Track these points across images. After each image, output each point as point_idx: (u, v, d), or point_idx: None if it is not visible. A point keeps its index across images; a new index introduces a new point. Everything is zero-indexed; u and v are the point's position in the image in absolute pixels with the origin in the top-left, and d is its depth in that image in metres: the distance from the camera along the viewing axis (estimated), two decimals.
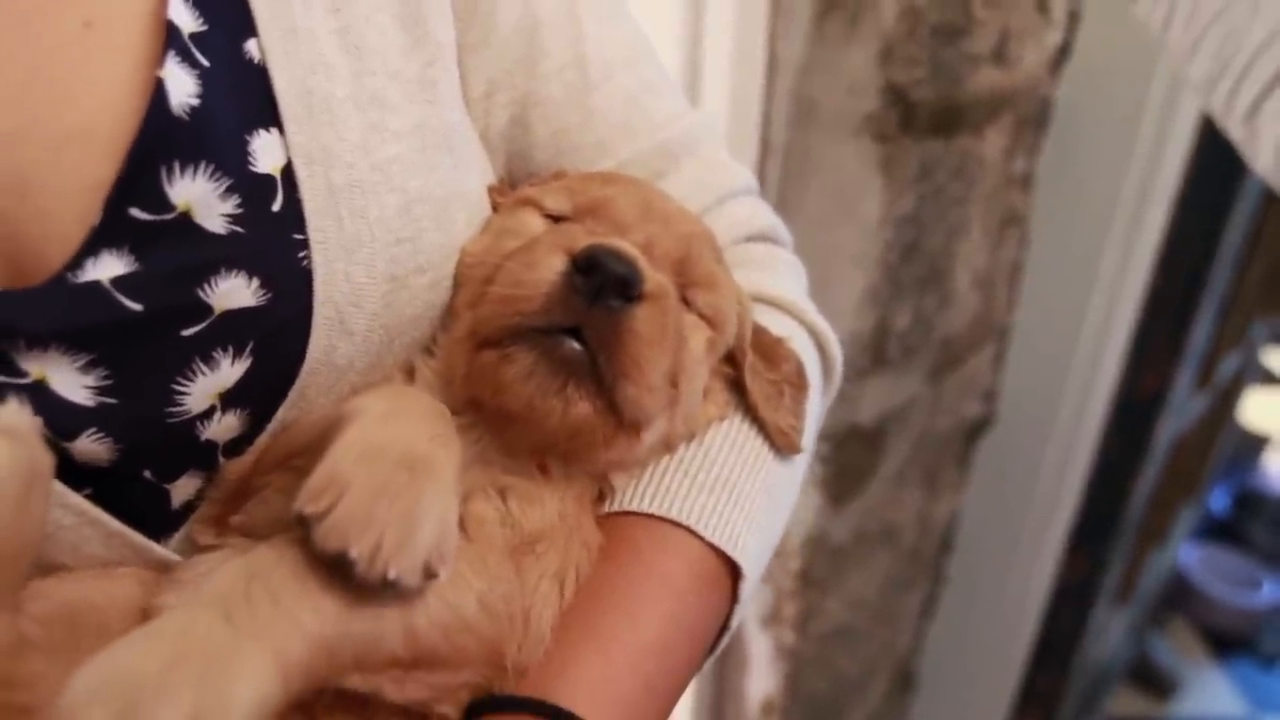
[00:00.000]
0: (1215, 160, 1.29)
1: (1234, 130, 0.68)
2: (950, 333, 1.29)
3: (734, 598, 0.44)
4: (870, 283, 1.13)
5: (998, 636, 1.68)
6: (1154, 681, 2.23)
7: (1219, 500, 2.57)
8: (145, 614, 0.36)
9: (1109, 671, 2.05)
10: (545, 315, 0.37)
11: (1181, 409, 1.62)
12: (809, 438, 0.48)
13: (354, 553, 0.29)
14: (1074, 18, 1.16)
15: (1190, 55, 0.67)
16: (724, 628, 0.45)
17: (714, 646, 0.45)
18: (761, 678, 1.36)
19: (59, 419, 0.34)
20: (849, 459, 1.27)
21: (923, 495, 1.45)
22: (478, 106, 0.48)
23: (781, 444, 0.46)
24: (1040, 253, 1.35)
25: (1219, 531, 2.52)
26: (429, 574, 0.30)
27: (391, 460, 0.31)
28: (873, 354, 1.20)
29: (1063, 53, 1.18)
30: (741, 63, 0.95)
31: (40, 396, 0.34)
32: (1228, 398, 2.08)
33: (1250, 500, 2.56)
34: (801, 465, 0.49)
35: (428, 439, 0.33)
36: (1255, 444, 2.58)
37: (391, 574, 0.29)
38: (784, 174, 1.00)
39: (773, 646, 1.33)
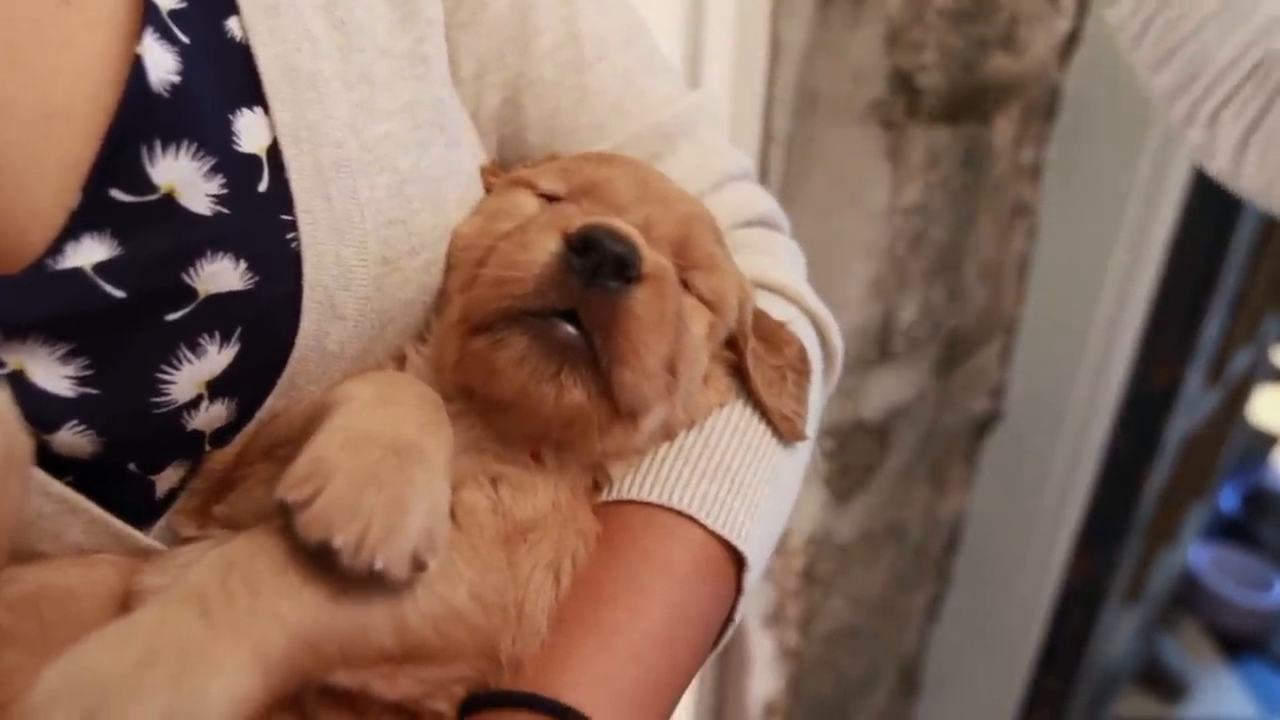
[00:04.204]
0: None
1: (1193, 135, 0.72)
2: (958, 326, 1.27)
3: (738, 588, 0.43)
4: (876, 274, 1.11)
5: (1005, 637, 1.67)
6: (1163, 683, 2.21)
7: (1229, 499, 2.54)
8: (123, 597, 0.35)
9: (1118, 673, 2.04)
10: (539, 297, 0.36)
11: (1192, 406, 1.60)
12: (811, 426, 0.47)
13: (338, 542, 0.28)
14: (1083, 5, 1.14)
15: (1158, 68, 0.72)
16: (728, 619, 0.44)
17: (718, 638, 0.44)
18: (764, 679, 1.34)
19: (39, 411, 0.33)
20: (854, 455, 1.26)
21: (929, 493, 1.44)
22: (468, 87, 0.47)
23: (784, 430, 0.45)
24: (1049, 245, 1.34)
25: (1229, 531, 2.50)
26: (418, 565, 0.29)
27: (380, 446, 0.30)
28: (879, 347, 1.18)
29: (1072, 40, 1.16)
30: (744, 49, 0.93)
31: (18, 388, 0.32)
32: (1237, 395, 2.06)
33: (1261, 499, 2.54)
34: (804, 453, 0.48)
35: (418, 425, 0.32)
36: (1265, 442, 2.56)
37: (378, 564, 0.28)
38: (787, 163, 0.99)
39: (775, 647, 1.32)
